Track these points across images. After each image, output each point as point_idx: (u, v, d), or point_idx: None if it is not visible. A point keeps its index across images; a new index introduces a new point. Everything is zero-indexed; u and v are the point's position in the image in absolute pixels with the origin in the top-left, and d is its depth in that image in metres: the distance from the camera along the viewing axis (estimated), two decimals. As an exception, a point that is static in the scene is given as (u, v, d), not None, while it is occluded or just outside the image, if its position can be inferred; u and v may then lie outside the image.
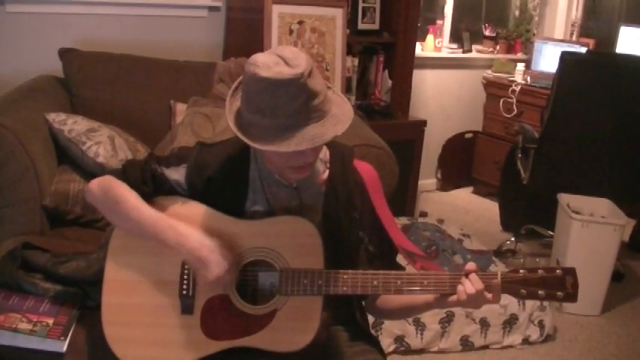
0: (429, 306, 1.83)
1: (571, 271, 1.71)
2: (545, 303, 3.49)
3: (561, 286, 1.70)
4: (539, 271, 1.71)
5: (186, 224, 1.77)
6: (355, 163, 1.95)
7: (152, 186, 1.86)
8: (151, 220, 1.77)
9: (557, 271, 1.71)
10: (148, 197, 1.85)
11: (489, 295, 1.71)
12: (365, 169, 1.96)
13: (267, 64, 1.60)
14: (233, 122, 1.69)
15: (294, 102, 1.58)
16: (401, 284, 1.74)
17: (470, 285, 1.69)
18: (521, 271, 1.72)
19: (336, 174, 1.89)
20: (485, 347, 3.44)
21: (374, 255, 1.91)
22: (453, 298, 1.73)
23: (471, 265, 1.73)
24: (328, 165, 1.90)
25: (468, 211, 5.54)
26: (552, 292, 1.70)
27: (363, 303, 2.01)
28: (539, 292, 1.70)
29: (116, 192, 1.82)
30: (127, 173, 1.87)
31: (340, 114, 1.67)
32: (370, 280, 1.75)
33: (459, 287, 1.71)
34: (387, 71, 4.78)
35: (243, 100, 1.68)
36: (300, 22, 3.98)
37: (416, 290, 1.73)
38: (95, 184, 1.88)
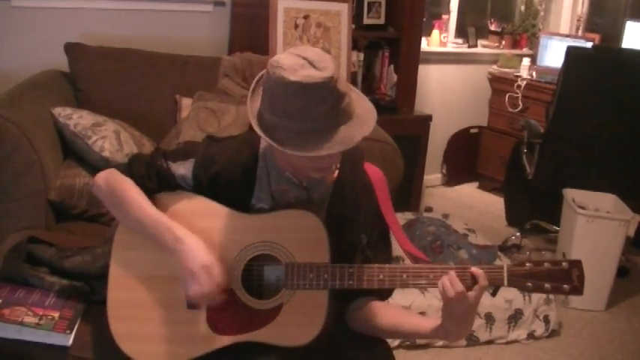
0: (418, 333, 1.80)
1: (577, 264, 1.70)
2: (551, 297, 3.49)
3: (567, 278, 1.69)
4: (545, 264, 1.70)
5: (187, 230, 1.75)
6: (365, 166, 1.95)
7: (157, 182, 1.86)
8: (151, 219, 1.77)
9: (564, 263, 1.70)
10: (152, 193, 1.85)
11: (472, 292, 1.66)
12: (374, 172, 1.95)
13: (292, 66, 1.57)
14: (257, 125, 1.66)
15: (323, 105, 1.57)
16: (407, 278, 1.74)
17: (448, 285, 1.66)
18: (527, 264, 1.71)
19: (345, 175, 1.89)
20: (491, 342, 3.44)
21: (369, 258, 1.88)
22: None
23: (476, 271, 1.69)
24: (338, 165, 1.89)
25: (472, 206, 5.54)
26: (558, 285, 1.69)
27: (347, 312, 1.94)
28: (546, 285, 1.69)
29: (121, 187, 1.83)
30: (132, 168, 1.87)
31: (364, 113, 1.66)
32: (376, 274, 1.75)
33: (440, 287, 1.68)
34: (392, 66, 4.77)
35: (265, 103, 1.65)
36: (306, 17, 3.98)
37: (422, 283, 1.73)
38: (102, 177, 1.88)
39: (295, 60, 1.59)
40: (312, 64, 1.58)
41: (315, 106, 1.56)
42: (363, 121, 1.64)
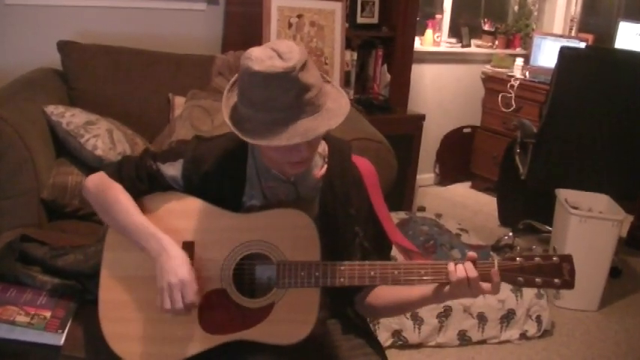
0: (425, 300, 1.81)
1: (567, 258, 1.71)
2: (543, 295, 3.49)
3: (558, 273, 1.70)
4: (536, 259, 1.71)
5: (174, 242, 1.76)
6: (354, 159, 1.95)
7: (148, 183, 1.86)
8: (136, 227, 1.78)
9: (554, 258, 1.71)
10: (144, 194, 1.85)
11: (486, 285, 1.70)
12: (363, 164, 1.95)
13: (260, 57, 1.59)
14: (228, 117, 1.69)
15: (286, 95, 1.57)
16: (398, 274, 1.74)
17: (461, 269, 1.69)
18: (517, 259, 1.72)
19: (334, 169, 1.88)
20: (483, 342, 3.44)
21: (369, 251, 1.90)
22: (448, 287, 1.73)
23: (472, 255, 1.73)
24: (326, 160, 1.89)
25: (465, 206, 5.54)
26: (549, 279, 1.70)
27: (356, 303, 1.98)
28: (537, 279, 1.70)
29: (110, 193, 1.83)
30: (122, 170, 1.88)
31: (335, 108, 1.66)
32: (367, 271, 1.74)
33: (450, 268, 1.70)
34: (385, 65, 4.78)
35: (238, 95, 1.67)
36: (299, 16, 3.97)
37: (414, 280, 1.73)
38: (91, 181, 1.89)
39: (265, 52, 1.61)
40: (280, 55, 1.60)
41: (277, 96, 1.57)
42: (332, 115, 1.64)
